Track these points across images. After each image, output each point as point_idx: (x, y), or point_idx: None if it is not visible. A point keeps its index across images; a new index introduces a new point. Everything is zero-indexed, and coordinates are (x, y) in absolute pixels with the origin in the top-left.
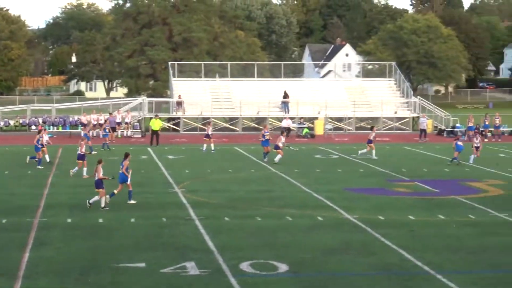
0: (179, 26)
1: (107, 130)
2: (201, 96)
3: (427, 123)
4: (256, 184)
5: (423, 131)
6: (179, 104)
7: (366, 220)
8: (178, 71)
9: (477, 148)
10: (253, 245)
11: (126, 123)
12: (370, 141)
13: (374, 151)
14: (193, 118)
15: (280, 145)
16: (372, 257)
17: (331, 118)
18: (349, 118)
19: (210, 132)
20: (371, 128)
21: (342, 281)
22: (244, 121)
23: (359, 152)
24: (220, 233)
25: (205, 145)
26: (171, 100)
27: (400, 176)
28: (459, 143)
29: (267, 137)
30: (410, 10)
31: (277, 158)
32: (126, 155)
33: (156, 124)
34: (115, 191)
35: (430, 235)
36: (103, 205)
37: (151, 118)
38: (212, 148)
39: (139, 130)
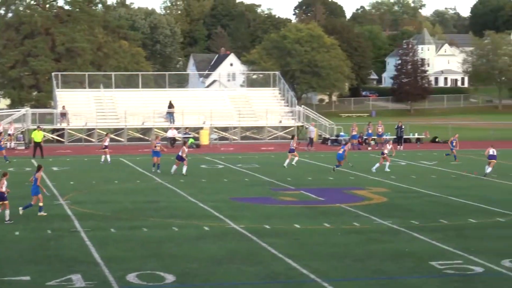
0: (62, 36)
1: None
2: (86, 107)
3: (315, 132)
4: (142, 195)
5: (311, 140)
6: (63, 115)
7: (252, 229)
8: (62, 82)
9: (382, 155)
10: (139, 256)
11: (9, 134)
12: (292, 150)
13: (296, 159)
14: (78, 129)
15: (184, 155)
16: (258, 266)
17: (216, 127)
18: (234, 127)
19: (107, 143)
20: (292, 137)
21: None
22: (129, 131)
23: (285, 163)
24: (107, 245)
25: (103, 157)
26: (55, 111)
27: (286, 185)
28: (340, 151)
29: (157, 148)
30: (293, 19)
31: (185, 169)
32: (39, 168)
33: (38, 136)
34: (32, 203)
35: (316, 243)
36: (7, 218)
37: (34, 129)
38: (108, 160)
39: (23, 142)
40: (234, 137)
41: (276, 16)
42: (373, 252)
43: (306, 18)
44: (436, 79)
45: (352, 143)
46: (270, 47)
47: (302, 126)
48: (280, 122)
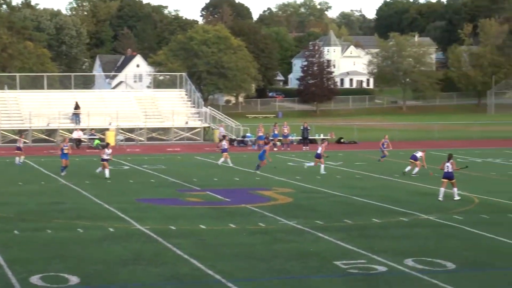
0: None
1: None
2: None
3: (223, 133)
4: (47, 196)
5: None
6: None
7: (157, 230)
8: None
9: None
10: (44, 257)
11: None
12: (225, 150)
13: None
14: None
15: (106, 157)
16: (163, 267)
17: (122, 129)
18: (141, 128)
19: (21, 145)
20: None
21: None
22: (34, 133)
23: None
24: (10, 247)
25: (17, 158)
26: None
27: (192, 186)
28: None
29: (65, 151)
30: (200, 21)
31: (107, 172)
32: None
33: None
34: None
35: (221, 243)
36: None
37: None
38: (21, 161)
39: None
40: (140, 138)
41: (183, 18)
42: (278, 252)
43: (213, 19)
44: (342, 81)
45: (258, 144)
46: (177, 49)
47: (208, 127)
48: (187, 123)
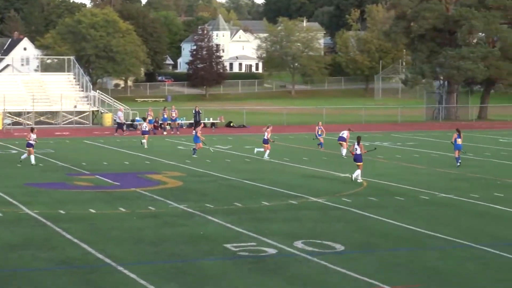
0: None
1: None
2: None
3: (123, 116)
4: None
5: (120, 125)
6: None
7: (47, 215)
8: None
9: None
10: None
11: None
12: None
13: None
14: None
15: (32, 142)
16: (53, 252)
17: (9, 112)
18: (28, 112)
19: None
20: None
21: (23, 277)
22: None
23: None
24: None
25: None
26: None
27: (81, 170)
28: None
29: None
30: (88, 4)
31: (32, 158)
32: None
33: None
34: None
35: (111, 227)
36: None
37: None
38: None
39: None
40: (28, 122)
41: (71, 1)
42: (168, 236)
43: (101, 3)
44: (231, 65)
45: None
46: (64, 32)
47: (97, 111)
48: (75, 107)
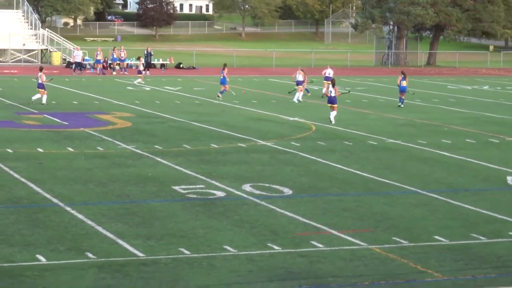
0: None
1: None
2: None
3: (82, 56)
4: None
5: (78, 64)
6: None
7: None
8: None
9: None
10: None
11: None
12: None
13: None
14: None
15: (44, 83)
16: (0, 191)
17: None
18: None
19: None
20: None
21: None
22: None
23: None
24: None
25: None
26: None
27: (29, 109)
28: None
29: None
30: None
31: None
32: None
33: None
34: None
35: (59, 167)
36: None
37: None
38: None
39: None
40: None
41: None
42: (117, 177)
43: None
44: (181, 6)
45: (96, 67)
46: None
47: (46, 49)
48: (24, 45)
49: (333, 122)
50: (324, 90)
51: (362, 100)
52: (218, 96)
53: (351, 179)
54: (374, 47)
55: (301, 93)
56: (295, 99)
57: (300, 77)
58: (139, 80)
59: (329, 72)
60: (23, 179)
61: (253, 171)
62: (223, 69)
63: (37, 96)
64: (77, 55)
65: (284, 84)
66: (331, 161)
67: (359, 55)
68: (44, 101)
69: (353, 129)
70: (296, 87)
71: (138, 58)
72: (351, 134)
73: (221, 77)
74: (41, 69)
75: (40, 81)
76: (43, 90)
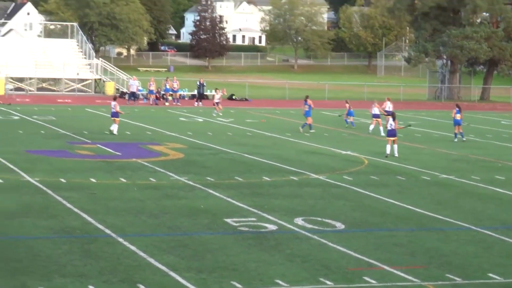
0: None
1: None
2: None
3: (137, 86)
4: None
5: (133, 94)
6: None
7: (47, 183)
8: None
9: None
10: None
11: None
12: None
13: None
14: None
15: (117, 111)
16: (53, 220)
17: (12, 78)
18: (31, 78)
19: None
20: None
21: (23, 245)
22: None
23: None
24: None
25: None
26: None
27: (82, 138)
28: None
29: None
30: None
31: (115, 128)
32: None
33: None
34: None
35: (112, 198)
36: None
37: None
38: None
39: None
40: (30, 88)
41: None
42: (169, 208)
43: None
44: (234, 37)
45: (149, 98)
46: None
47: (100, 79)
48: (78, 74)
49: (396, 155)
50: (372, 127)
51: (415, 135)
52: (300, 131)
53: (403, 215)
54: (427, 81)
55: (375, 126)
56: (370, 130)
57: (376, 110)
58: (216, 111)
59: (389, 106)
60: (76, 209)
61: (305, 205)
62: (305, 101)
63: (115, 126)
64: (132, 85)
65: (337, 117)
66: (384, 196)
67: (412, 88)
68: (115, 131)
69: (406, 163)
70: (372, 119)
71: (215, 90)
72: (404, 168)
73: (306, 110)
74: (115, 98)
75: (114, 110)
76: (118, 119)
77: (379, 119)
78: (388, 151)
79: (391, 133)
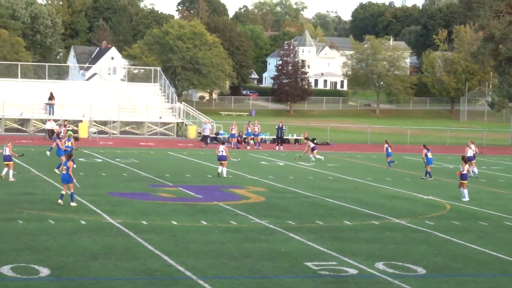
0: None
1: None
2: None
3: (210, 129)
4: (19, 186)
5: (206, 137)
6: None
7: (129, 225)
8: None
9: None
10: (14, 248)
11: None
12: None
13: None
14: None
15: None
16: (134, 262)
17: (95, 121)
18: (114, 122)
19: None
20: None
21: (104, 286)
22: (7, 122)
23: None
24: None
25: None
26: None
27: (164, 181)
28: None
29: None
30: (176, 16)
31: (225, 171)
32: (70, 156)
33: None
34: (63, 192)
35: (192, 240)
36: None
37: None
38: None
39: None
40: (113, 132)
41: (159, 12)
42: (250, 251)
43: (188, 15)
44: (316, 81)
45: (231, 142)
46: (152, 43)
47: (182, 123)
48: (160, 118)
49: (466, 199)
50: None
51: (498, 180)
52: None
53: (485, 260)
54: (511, 126)
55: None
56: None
57: (470, 153)
58: (312, 157)
59: (474, 149)
60: (157, 251)
61: (386, 249)
62: (387, 144)
63: (223, 169)
64: (206, 128)
65: (419, 162)
66: (466, 241)
67: (495, 134)
68: (225, 173)
69: (488, 209)
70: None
71: (313, 140)
72: (486, 214)
73: (389, 151)
74: (223, 143)
75: (221, 154)
76: (225, 162)
77: (473, 161)
78: (466, 196)
79: (464, 176)
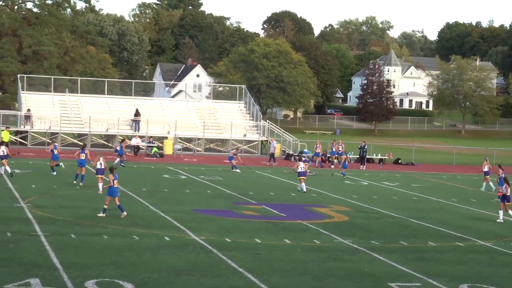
0: (29, 39)
1: None
2: (50, 111)
3: (276, 147)
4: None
5: (272, 155)
6: (28, 117)
7: (212, 242)
8: (28, 84)
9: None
10: (99, 263)
11: None
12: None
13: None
14: (41, 132)
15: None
16: (217, 279)
17: (180, 138)
18: (199, 139)
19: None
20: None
21: None
22: (93, 137)
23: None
24: (66, 250)
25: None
26: (19, 113)
27: (248, 199)
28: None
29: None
30: (262, 34)
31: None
32: (112, 169)
33: (6, 136)
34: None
35: (276, 258)
36: None
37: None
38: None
39: None
40: (198, 149)
41: (245, 30)
42: (333, 271)
43: (274, 33)
44: (401, 101)
45: (314, 160)
46: (237, 60)
47: (266, 140)
48: (245, 135)
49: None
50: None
51: None
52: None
53: None
54: None
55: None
56: None
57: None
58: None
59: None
60: (240, 269)
61: (471, 271)
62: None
63: (302, 184)
64: (272, 146)
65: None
66: None
67: None
68: (304, 189)
69: None
70: None
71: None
72: None
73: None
74: (300, 159)
75: (302, 171)
76: (305, 177)
77: None
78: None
79: (504, 198)
